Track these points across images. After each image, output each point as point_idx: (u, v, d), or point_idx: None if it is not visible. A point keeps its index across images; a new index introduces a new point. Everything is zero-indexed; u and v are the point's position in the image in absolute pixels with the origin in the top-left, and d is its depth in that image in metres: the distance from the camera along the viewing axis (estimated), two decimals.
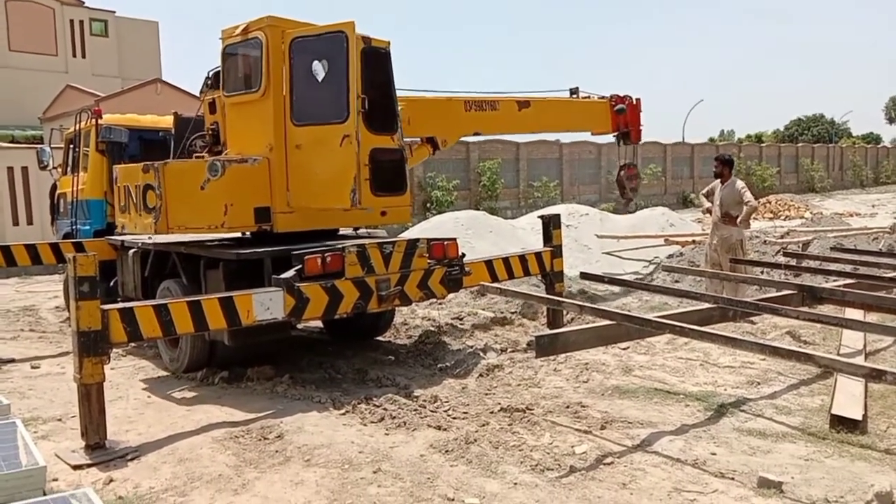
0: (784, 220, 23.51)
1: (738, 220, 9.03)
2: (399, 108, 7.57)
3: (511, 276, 8.06)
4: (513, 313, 9.11)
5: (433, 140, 8.70)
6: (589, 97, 10.87)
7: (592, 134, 11.49)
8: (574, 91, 10.72)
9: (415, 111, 8.08)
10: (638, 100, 11.31)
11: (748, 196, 9.08)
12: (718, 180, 9.44)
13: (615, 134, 11.21)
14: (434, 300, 7.87)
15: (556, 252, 8.45)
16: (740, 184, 9.27)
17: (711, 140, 54.99)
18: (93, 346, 4.91)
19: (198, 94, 7.93)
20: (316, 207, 6.78)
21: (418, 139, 8.63)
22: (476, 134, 9.53)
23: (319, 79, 6.66)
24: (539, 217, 9.19)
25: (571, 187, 33.05)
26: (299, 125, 6.63)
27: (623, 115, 10.95)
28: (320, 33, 6.52)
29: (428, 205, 25.52)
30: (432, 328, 8.56)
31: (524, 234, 14.16)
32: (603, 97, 10.94)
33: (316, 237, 6.99)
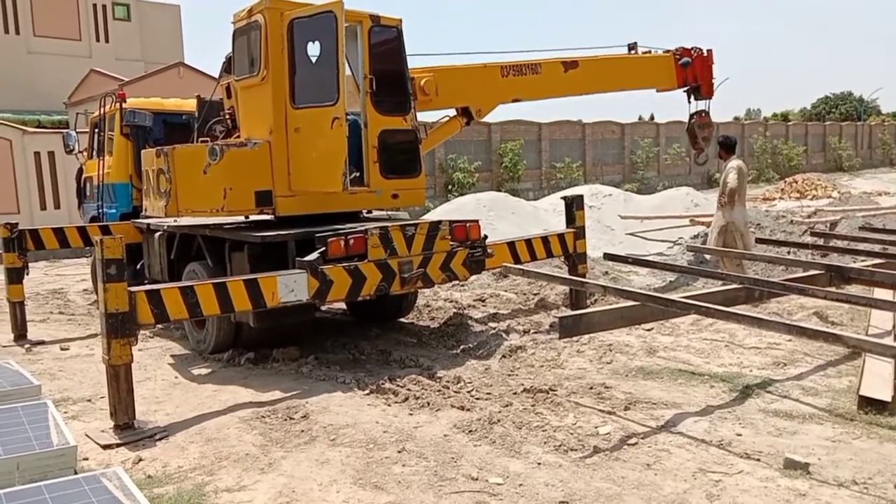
0: (811, 199, 23.13)
1: (724, 201, 8.99)
2: (423, 81, 7.52)
3: (533, 257, 8.02)
4: (535, 294, 9.09)
5: (467, 110, 8.34)
6: (649, 52, 10.29)
7: (657, 91, 10.62)
8: (632, 46, 10.13)
9: (443, 81, 7.82)
10: (709, 51, 10.60)
11: (731, 177, 8.97)
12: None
13: (685, 90, 10.64)
14: (456, 282, 7.86)
15: (579, 233, 8.38)
16: (731, 164, 9.15)
17: (737, 119, 54.18)
18: (120, 328, 4.98)
19: (217, 78, 7.97)
20: (312, 191, 6.75)
21: (447, 115, 8.40)
22: (515, 100, 8.87)
23: (314, 60, 6.65)
24: (562, 198, 9.09)
25: (594, 168, 32.82)
26: (298, 108, 6.61)
27: (690, 69, 10.34)
28: (313, 14, 6.47)
29: (449, 186, 25.50)
30: (455, 310, 8.58)
31: (546, 215, 14.09)
32: (667, 51, 10.38)
33: (337, 220, 7.00)
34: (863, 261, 7.80)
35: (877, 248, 9.05)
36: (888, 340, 5.85)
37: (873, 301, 6.04)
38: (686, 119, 10.96)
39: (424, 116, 8.00)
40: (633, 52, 10.15)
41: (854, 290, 7.22)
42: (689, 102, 10.85)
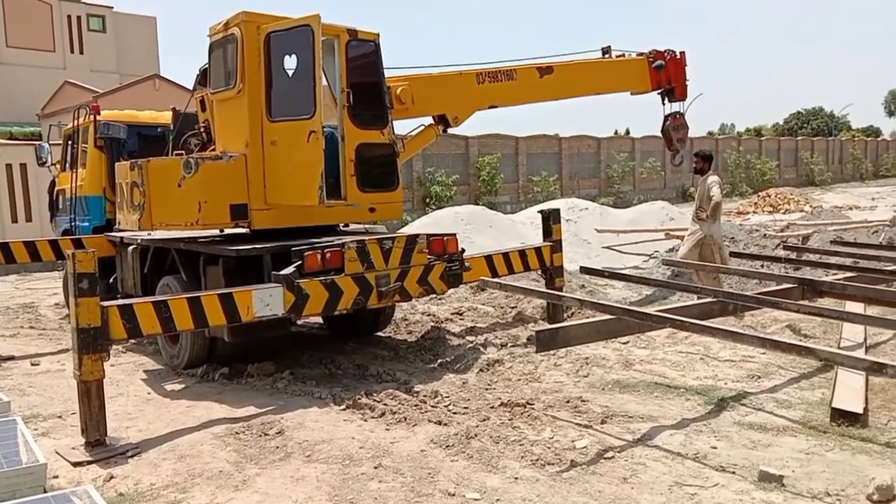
0: (784, 213, 23.49)
1: (706, 214, 9.06)
2: (399, 90, 7.52)
3: (511, 271, 8.05)
4: (512, 308, 9.11)
5: (444, 118, 8.32)
6: (623, 55, 10.32)
7: (632, 94, 10.67)
8: (606, 50, 10.16)
9: (419, 89, 7.82)
10: (682, 53, 10.70)
11: (714, 191, 9.04)
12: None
13: (658, 92, 10.69)
14: (434, 296, 7.86)
15: (556, 247, 8.42)
16: (712, 179, 9.23)
17: (710, 134, 54.92)
18: (92, 343, 4.91)
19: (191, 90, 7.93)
20: (288, 204, 6.72)
21: (422, 125, 8.36)
22: (492, 107, 8.86)
23: (290, 74, 6.65)
24: (539, 212, 9.13)
25: (571, 181, 33.03)
26: (274, 121, 6.60)
27: (664, 72, 10.40)
28: (290, 27, 6.47)
29: (427, 200, 25.51)
30: (432, 323, 8.56)
31: (524, 228, 14.14)
32: (641, 54, 10.41)
33: (314, 233, 6.97)
34: (834, 274, 7.91)
35: (848, 261, 9.18)
36: (859, 353, 5.92)
37: (845, 314, 6.13)
38: (661, 124, 11.04)
39: (401, 125, 7.99)
40: (607, 56, 10.19)
41: (826, 303, 7.32)
42: (664, 105, 10.93)
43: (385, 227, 8.45)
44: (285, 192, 6.60)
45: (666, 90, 10.69)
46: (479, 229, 13.24)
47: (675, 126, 10.93)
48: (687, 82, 10.79)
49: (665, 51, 10.52)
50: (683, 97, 10.85)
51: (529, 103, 9.52)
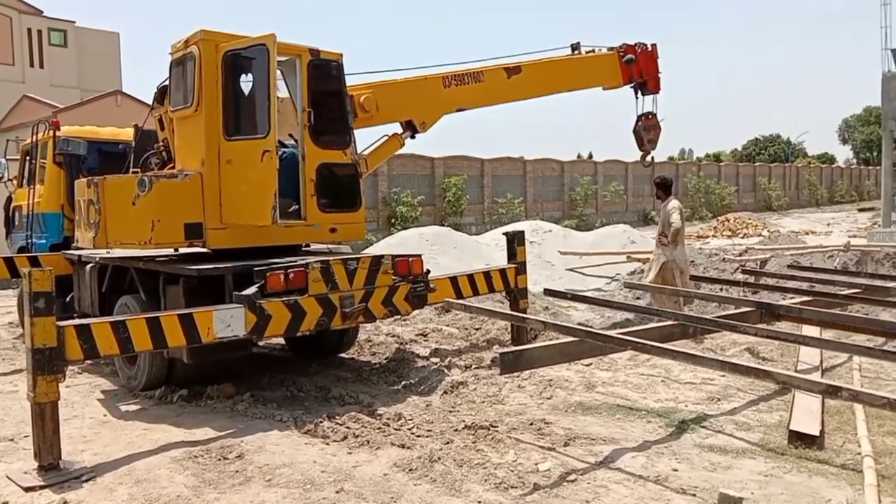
0: (742, 238, 23.93)
1: (667, 240, 9.21)
2: (362, 98, 7.48)
3: (475, 292, 8.05)
4: (477, 329, 9.11)
5: (411, 124, 8.22)
6: (593, 51, 10.24)
7: (604, 89, 10.50)
8: (575, 47, 10.03)
9: (383, 96, 7.76)
10: (653, 45, 10.57)
11: (674, 217, 9.19)
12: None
13: (631, 86, 10.58)
14: (398, 317, 7.83)
15: (521, 269, 8.46)
16: (672, 205, 9.39)
17: (671, 159, 55.97)
18: (48, 364, 4.79)
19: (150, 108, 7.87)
20: (243, 224, 6.66)
21: (385, 135, 8.28)
22: (460, 110, 8.68)
23: (247, 93, 6.64)
24: (503, 233, 9.18)
25: (535, 204, 33.35)
26: (230, 140, 6.57)
27: (635, 65, 10.31)
28: (246, 46, 6.48)
29: (393, 220, 25.51)
30: (397, 345, 8.52)
31: (488, 250, 14.21)
32: (611, 48, 10.29)
33: (277, 253, 6.91)
34: (791, 298, 8.06)
35: (804, 285, 9.37)
36: (816, 376, 6.04)
37: (802, 338, 6.24)
38: (633, 124, 10.96)
39: (363, 137, 7.90)
40: (576, 52, 10.11)
41: (783, 326, 7.46)
42: (637, 99, 10.85)
43: (350, 247, 8.40)
44: (239, 211, 6.55)
45: (638, 84, 10.61)
46: (444, 250, 13.27)
47: (646, 126, 10.88)
48: (660, 75, 10.71)
49: (636, 44, 10.41)
50: (657, 90, 10.76)
51: (499, 104, 9.42)
